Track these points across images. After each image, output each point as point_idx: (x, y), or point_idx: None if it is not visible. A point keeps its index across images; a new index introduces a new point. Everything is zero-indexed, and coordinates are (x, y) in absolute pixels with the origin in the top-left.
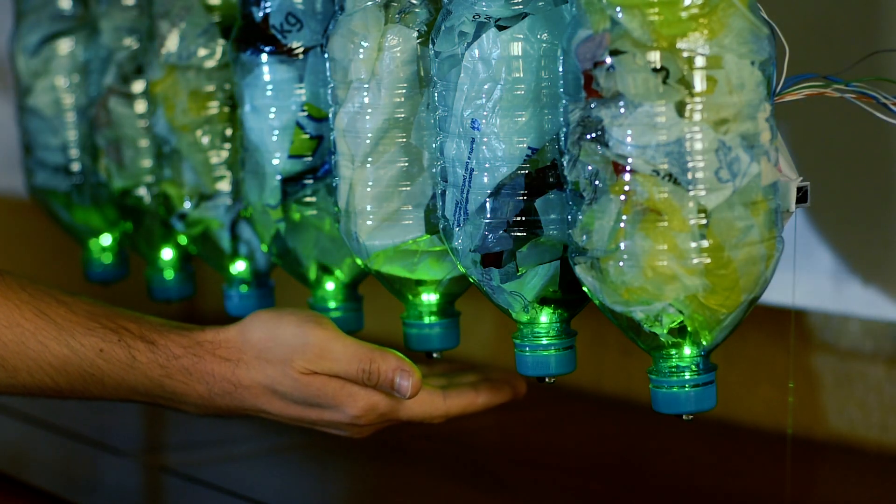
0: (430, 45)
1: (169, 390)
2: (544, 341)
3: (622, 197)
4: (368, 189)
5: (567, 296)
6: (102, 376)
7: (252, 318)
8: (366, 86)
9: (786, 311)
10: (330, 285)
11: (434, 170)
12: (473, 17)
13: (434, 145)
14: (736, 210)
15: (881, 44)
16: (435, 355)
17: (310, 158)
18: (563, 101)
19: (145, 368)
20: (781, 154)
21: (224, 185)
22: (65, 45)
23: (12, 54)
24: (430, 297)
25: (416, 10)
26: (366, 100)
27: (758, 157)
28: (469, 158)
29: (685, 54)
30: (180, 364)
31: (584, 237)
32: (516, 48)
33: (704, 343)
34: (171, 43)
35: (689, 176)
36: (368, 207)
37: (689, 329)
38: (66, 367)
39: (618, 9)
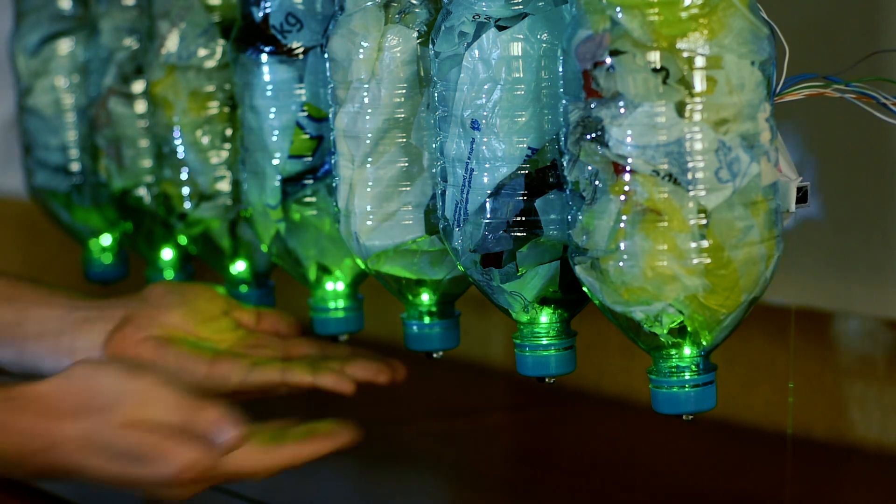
0: (430, 45)
1: None
2: (544, 341)
3: (622, 197)
4: (368, 189)
5: (567, 296)
6: None
7: (72, 369)
8: (366, 86)
9: (786, 311)
10: (330, 285)
11: (434, 170)
12: (473, 17)
13: (434, 145)
14: (736, 210)
15: (881, 44)
16: (435, 355)
17: (310, 158)
18: (563, 101)
19: None
20: (781, 154)
21: (224, 185)
22: (65, 45)
23: (12, 54)
24: (429, 297)
25: (416, 10)
26: (366, 100)
27: (758, 157)
28: (469, 158)
29: (685, 54)
30: None
31: (584, 237)
32: (516, 48)
33: (704, 343)
34: (171, 43)
35: (689, 176)
36: (368, 207)
37: (689, 329)
38: None
39: (618, 9)
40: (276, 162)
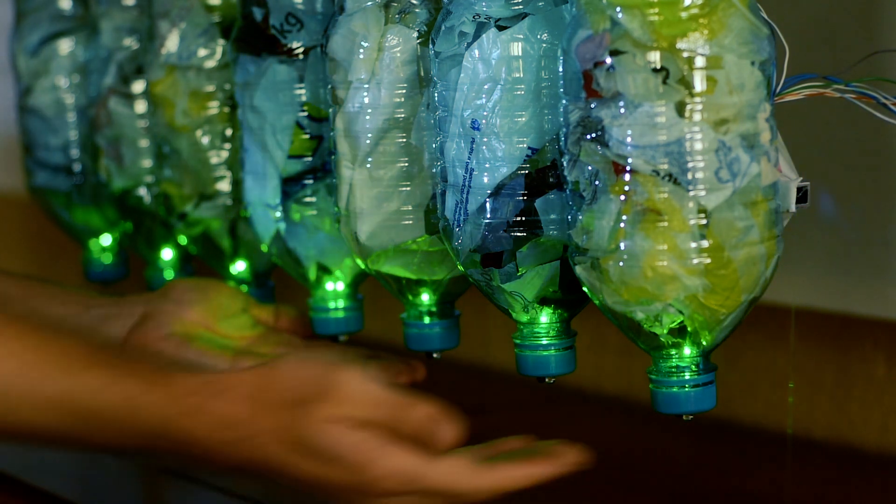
0: (430, 45)
1: (175, 436)
2: (544, 341)
3: (622, 197)
4: (368, 189)
5: (567, 296)
6: (103, 416)
7: (275, 360)
8: (366, 86)
9: (786, 311)
10: (330, 285)
11: (434, 170)
12: (473, 17)
13: (434, 145)
14: (736, 210)
15: (881, 44)
16: (435, 355)
17: (310, 158)
18: (563, 101)
19: (152, 408)
20: (781, 154)
21: (224, 185)
22: (65, 45)
23: (12, 54)
24: (429, 297)
25: (416, 10)
26: (366, 100)
27: (758, 157)
28: (469, 158)
29: (685, 54)
30: (190, 403)
31: (584, 237)
32: (516, 48)
33: (704, 343)
34: (171, 43)
35: (689, 176)
36: (368, 207)
37: (689, 329)
38: (63, 406)
39: (618, 9)
40: (276, 162)
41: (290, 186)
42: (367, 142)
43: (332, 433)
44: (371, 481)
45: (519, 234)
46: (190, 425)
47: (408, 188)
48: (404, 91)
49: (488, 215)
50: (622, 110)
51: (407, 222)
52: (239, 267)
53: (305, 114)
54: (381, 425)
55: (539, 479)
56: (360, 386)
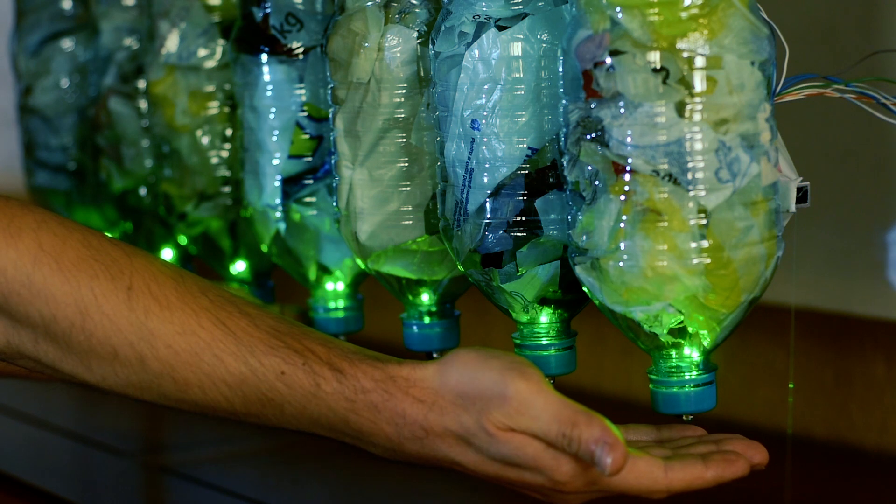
0: (430, 45)
1: (354, 427)
2: (544, 341)
3: (622, 197)
4: (368, 189)
5: (567, 296)
6: (282, 402)
7: (453, 358)
8: (366, 86)
9: (786, 311)
10: (330, 285)
11: (434, 170)
12: (473, 17)
13: (434, 145)
14: (736, 210)
15: (881, 44)
16: (435, 355)
17: (310, 158)
18: (563, 101)
19: (329, 399)
20: (781, 154)
21: (224, 186)
22: (65, 45)
23: (13, 54)
24: (429, 297)
25: (416, 10)
26: (366, 100)
27: (758, 157)
28: (469, 158)
29: (685, 54)
30: (368, 399)
31: (584, 237)
32: (516, 48)
33: (704, 343)
34: (171, 43)
35: (689, 176)
36: (368, 208)
37: (689, 329)
38: (243, 386)
39: (618, 9)
40: (276, 162)
41: (290, 186)
42: (367, 142)
43: (513, 442)
44: (558, 483)
45: (519, 234)
46: (368, 421)
47: (408, 188)
48: (404, 91)
49: (488, 215)
50: (622, 110)
51: (407, 222)
52: (239, 267)
53: (305, 114)
54: (553, 441)
55: (725, 480)
56: (535, 397)
